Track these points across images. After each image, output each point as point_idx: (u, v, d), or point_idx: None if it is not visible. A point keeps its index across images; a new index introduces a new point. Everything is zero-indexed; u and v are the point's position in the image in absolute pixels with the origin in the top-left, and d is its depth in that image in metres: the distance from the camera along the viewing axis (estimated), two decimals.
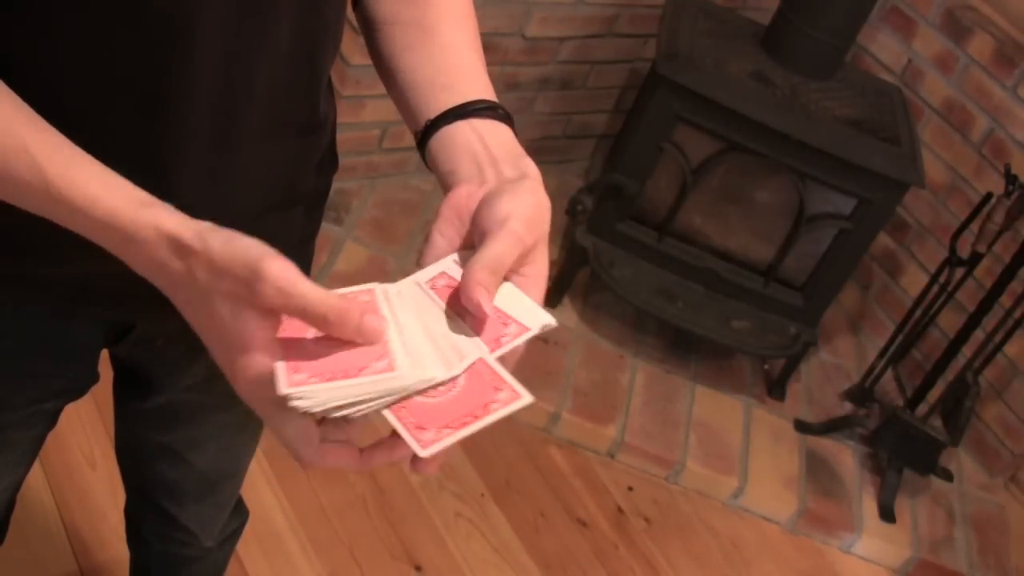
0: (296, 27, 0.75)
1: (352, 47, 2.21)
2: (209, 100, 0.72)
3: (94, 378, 0.93)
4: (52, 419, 0.96)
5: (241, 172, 0.79)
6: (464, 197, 0.72)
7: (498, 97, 0.80)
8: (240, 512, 1.33)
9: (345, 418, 0.63)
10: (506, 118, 0.78)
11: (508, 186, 0.71)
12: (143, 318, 0.88)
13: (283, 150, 0.83)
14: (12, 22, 0.66)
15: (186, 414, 1.04)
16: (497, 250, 0.67)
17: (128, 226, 0.63)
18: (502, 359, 0.67)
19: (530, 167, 0.74)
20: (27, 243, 0.67)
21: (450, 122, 0.76)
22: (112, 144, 0.69)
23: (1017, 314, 2.27)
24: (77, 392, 0.93)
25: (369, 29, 0.84)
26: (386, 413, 0.63)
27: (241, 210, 0.82)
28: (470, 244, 0.71)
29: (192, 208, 0.76)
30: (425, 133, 0.77)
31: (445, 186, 0.75)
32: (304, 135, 0.85)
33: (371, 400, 0.62)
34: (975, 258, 2.23)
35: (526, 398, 0.64)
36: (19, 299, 0.80)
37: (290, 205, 0.89)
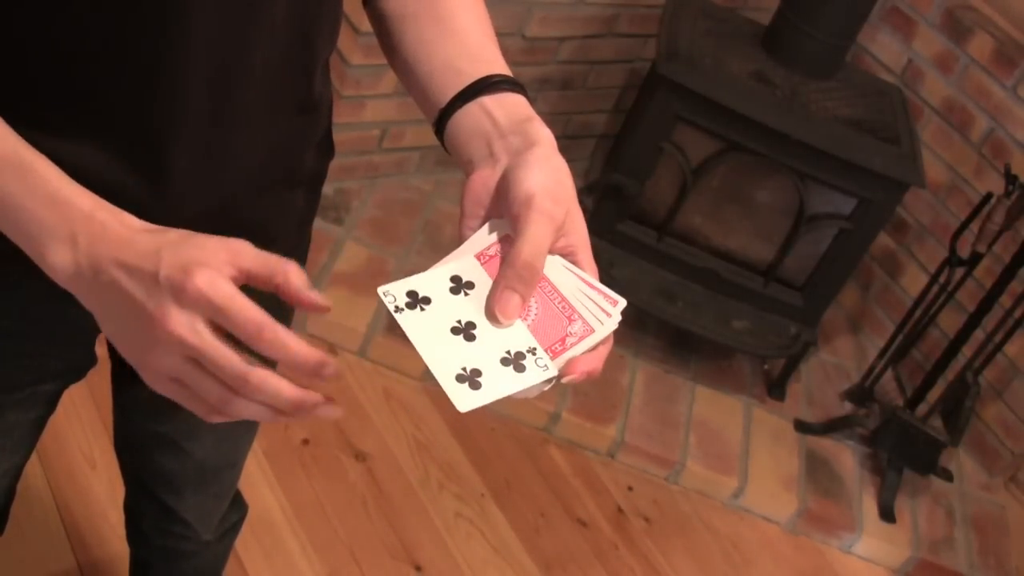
0: (291, 4, 0.75)
1: (352, 47, 2.21)
2: (205, 76, 0.72)
3: (91, 360, 0.93)
4: (51, 403, 0.96)
5: (236, 150, 0.79)
6: (480, 186, 0.72)
7: None
8: (239, 506, 1.33)
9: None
10: (516, 87, 0.77)
11: (520, 160, 0.70)
12: None
13: (278, 129, 0.83)
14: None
15: None
16: (533, 238, 0.67)
17: (91, 202, 0.65)
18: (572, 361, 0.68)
19: (539, 131, 0.73)
20: None
21: (459, 107, 0.76)
22: (108, 120, 0.69)
23: (1017, 314, 2.27)
24: (75, 374, 0.94)
25: (381, 25, 0.84)
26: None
27: (236, 189, 0.82)
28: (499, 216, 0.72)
29: (188, 185, 0.76)
30: (440, 124, 0.77)
31: (466, 174, 0.75)
32: (300, 114, 0.85)
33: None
34: (975, 258, 2.23)
35: (603, 328, 0.67)
36: (16, 278, 0.80)
37: (288, 186, 0.89)
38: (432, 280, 0.67)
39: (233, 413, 0.64)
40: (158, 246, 0.63)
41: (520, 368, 0.65)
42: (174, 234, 0.64)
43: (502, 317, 0.66)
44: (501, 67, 0.78)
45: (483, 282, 0.68)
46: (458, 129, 0.76)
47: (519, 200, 0.68)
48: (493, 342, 0.66)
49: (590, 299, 0.68)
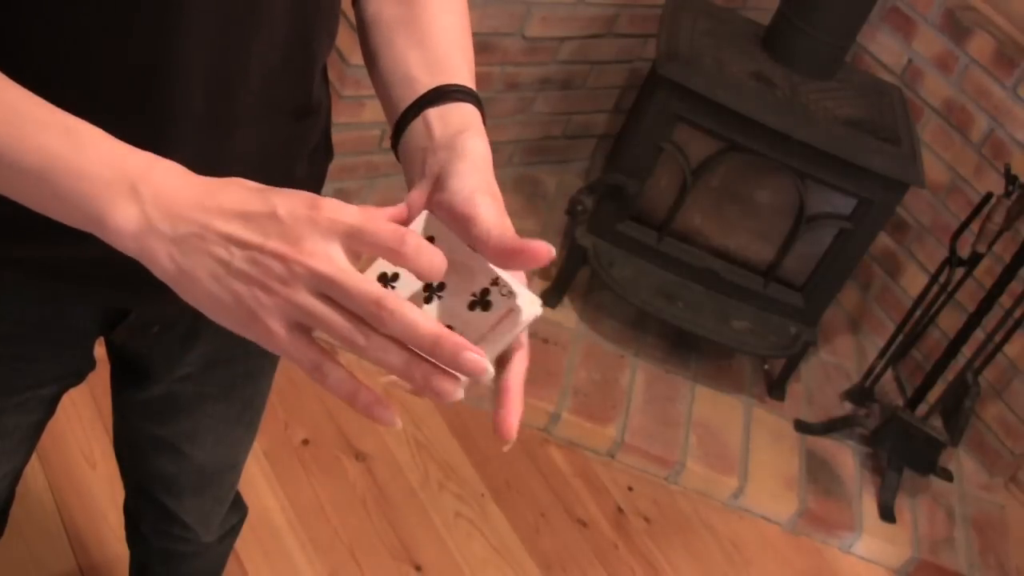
0: (290, 8, 0.75)
1: (352, 47, 2.21)
2: (202, 80, 0.72)
3: (90, 364, 0.93)
4: (50, 406, 0.96)
5: (234, 155, 0.79)
6: (416, 206, 0.70)
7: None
8: (239, 507, 1.33)
9: None
10: (466, 96, 0.75)
11: (448, 172, 0.68)
12: (139, 303, 0.88)
13: (276, 134, 0.83)
14: (3, 2, 0.66)
15: (183, 405, 1.04)
16: (487, 215, 0.64)
17: (146, 156, 0.62)
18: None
19: (467, 144, 0.70)
20: (23, 225, 0.66)
21: (408, 122, 0.75)
22: (105, 125, 0.69)
23: (1017, 314, 2.27)
24: (74, 378, 0.93)
25: (361, 29, 0.84)
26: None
27: None
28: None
29: None
30: (395, 141, 0.76)
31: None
32: (297, 119, 0.85)
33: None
34: (975, 258, 2.23)
35: (526, 311, 0.62)
36: (14, 282, 0.80)
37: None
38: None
39: (365, 352, 0.59)
40: (257, 189, 0.60)
41: (487, 306, 0.62)
42: (256, 184, 0.61)
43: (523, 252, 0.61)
44: (462, 76, 0.77)
45: (441, 231, 0.64)
46: (404, 146, 0.75)
47: (462, 198, 0.66)
48: (459, 290, 0.63)
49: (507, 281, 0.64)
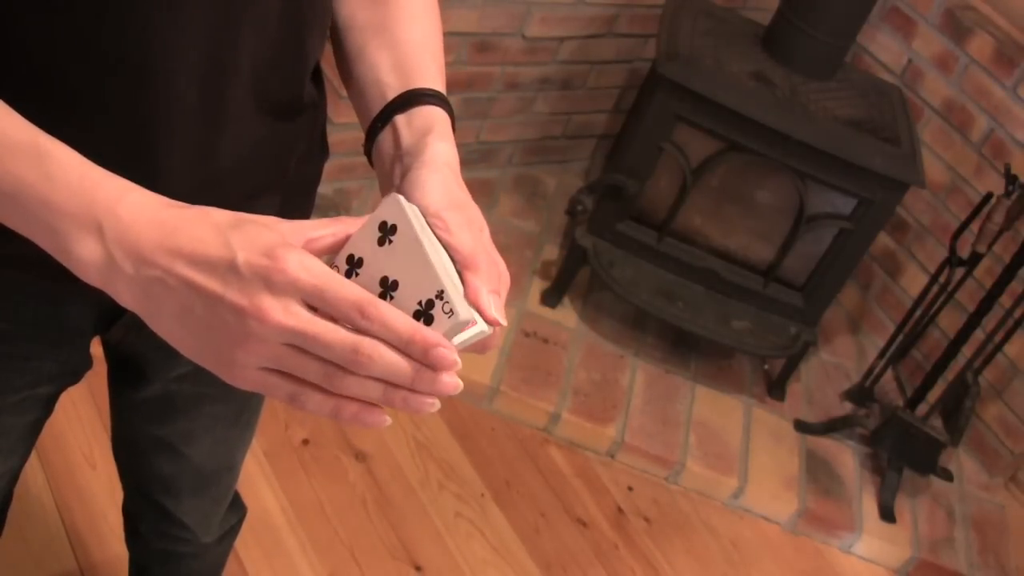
0: (283, 4, 0.75)
1: None
2: (197, 74, 0.72)
3: (87, 363, 0.93)
4: (47, 406, 0.96)
5: (227, 151, 0.79)
6: None
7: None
8: (237, 508, 1.33)
9: None
10: (433, 99, 0.75)
11: (406, 184, 0.68)
12: None
13: (268, 131, 0.82)
14: None
15: (180, 405, 1.04)
16: (458, 236, 0.64)
17: (117, 186, 0.61)
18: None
19: (427, 147, 0.70)
20: None
21: (379, 131, 0.75)
22: (101, 121, 0.68)
23: (1017, 314, 2.27)
24: (71, 377, 0.93)
25: (334, 33, 0.84)
26: None
27: (229, 189, 0.81)
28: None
29: (179, 185, 0.76)
30: (367, 148, 0.77)
31: None
32: (292, 115, 0.85)
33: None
34: (975, 258, 2.23)
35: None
36: (10, 280, 0.80)
37: (281, 187, 0.89)
38: (362, 236, 0.63)
39: (344, 391, 0.59)
40: (218, 230, 0.59)
41: (429, 320, 0.61)
42: (222, 215, 0.60)
43: (501, 318, 0.62)
44: (431, 78, 0.76)
45: (405, 223, 0.63)
46: (375, 153, 0.75)
47: (428, 215, 0.66)
48: (410, 294, 0.62)
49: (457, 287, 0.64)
